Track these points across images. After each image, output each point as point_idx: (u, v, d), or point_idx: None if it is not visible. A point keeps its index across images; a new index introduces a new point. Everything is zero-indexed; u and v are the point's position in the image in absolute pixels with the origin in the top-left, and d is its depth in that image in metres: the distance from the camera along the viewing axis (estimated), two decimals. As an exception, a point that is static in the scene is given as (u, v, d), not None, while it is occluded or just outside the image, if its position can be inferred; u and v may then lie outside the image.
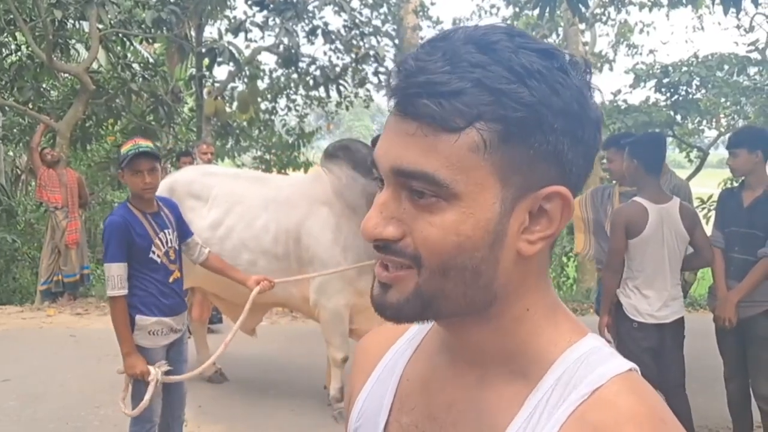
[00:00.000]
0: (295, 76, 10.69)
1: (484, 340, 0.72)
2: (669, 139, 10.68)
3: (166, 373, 3.22)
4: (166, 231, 3.23)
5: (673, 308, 3.65)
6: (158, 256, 3.18)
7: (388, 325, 0.86)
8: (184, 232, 3.45)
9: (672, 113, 11.85)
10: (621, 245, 3.63)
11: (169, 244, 3.24)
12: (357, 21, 10.04)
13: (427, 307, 0.69)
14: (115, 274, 3.07)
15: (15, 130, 11.17)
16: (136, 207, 3.18)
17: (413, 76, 0.64)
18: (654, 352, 3.66)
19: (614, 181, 4.35)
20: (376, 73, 10.31)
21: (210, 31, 10.68)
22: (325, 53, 10.30)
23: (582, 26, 12.09)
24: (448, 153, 0.63)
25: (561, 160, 0.66)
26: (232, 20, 10.11)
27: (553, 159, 0.66)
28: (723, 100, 12.32)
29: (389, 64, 10.15)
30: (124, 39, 9.73)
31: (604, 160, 11.71)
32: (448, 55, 0.64)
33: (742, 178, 3.90)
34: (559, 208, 0.67)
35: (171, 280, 3.24)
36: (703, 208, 9.90)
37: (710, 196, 9.96)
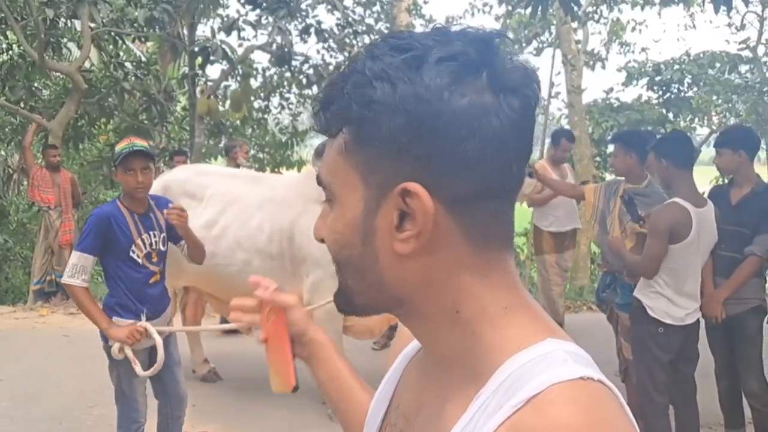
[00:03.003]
0: (288, 74, 10.67)
1: (430, 340, 0.74)
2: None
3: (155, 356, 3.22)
4: (151, 233, 3.20)
5: (695, 309, 3.57)
6: (138, 256, 3.16)
7: None
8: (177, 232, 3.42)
9: (664, 111, 11.92)
10: (662, 251, 3.40)
11: (153, 246, 3.21)
12: (350, 19, 10.03)
13: (348, 302, 0.75)
14: (78, 263, 3.06)
15: (7, 130, 11.12)
16: (124, 205, 3.17)
17: (317, 96, 0.73)
18: (675, 356, 3.58)
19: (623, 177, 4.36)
20: (369, 71, 10.29)
21: (203, 30, 10.65)
22: (318, 52, 10.26)
23: (574, 24, 12.11)
24: (327, 158, 0.72)
25: (409, 155, 0.65)
26: (225, 19, 10.07)
27: (400, 155, 0.65)
28: (715, 97, 12.39)
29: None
30: (117, 38, 9.68)
31: (598, 158, 11.79)
32: (345, 69, 0.70)
33: (731, 176, 3.94)
34: (419, 205, 0.65)
35: (151, 281, 3.21)
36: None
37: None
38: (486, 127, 0.65)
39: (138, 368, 3.09)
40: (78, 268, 3.05)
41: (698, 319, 3.61)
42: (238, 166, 6.90)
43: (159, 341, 3.10)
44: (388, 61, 0.66)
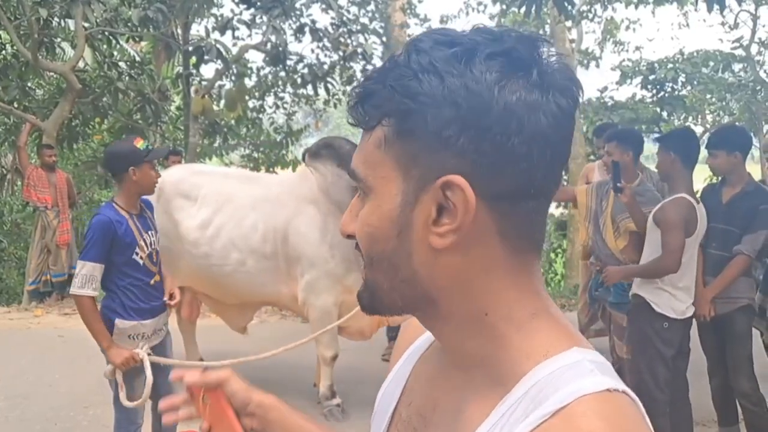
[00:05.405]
0: (282, 74, 10.66)
1: (453, 341, 0.72)
2: (654, 136, 10.76)
3: (154, 353, 3.23)
4: (150, 233, 3.20)
5: (691, 304, 3.59)
6: (141, 258, 3.15)
7: None
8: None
9: (658, 110, 11.96)
10: (682, 243, 3.39)
11: (152, 246, 3.21)
12: (344, 19, 10.03)
13: (374, 299, 0.74)
14: (88, 273, 3.02)
15: (0, 130, 11.08)
16: (122, 207, 3.15)
17: (354, 90, 0.71)
18: (676, 351, 3.58)
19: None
20: (363, 70, 10.30)
21: (197, 29, 10.65)
22: (312, 51, 10.30)
23: (568, 23, 12.14)
24: (364, 151, 0.70)
25: (454, 149, 0.64)
26: (219, 18, 10.07)
27: (444, 148, 0.65)
28: (708, 96, 12.45)
29: (377, 61, 10.15)
30: (111, 37, 9.67)
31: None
32: (385, 64, 0.69)
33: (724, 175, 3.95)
34: (460, 199, 0.65)
35: (152, 282, 3.21)
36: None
37: (696, 192, 10.02)
38: (534, 124, 0.64)
39: (123, 395, 3.08)
40: (88, 278, 3.01)
41: (692, 314, 3.64)
42: None
43: (149, 378, 3.08)
44: (436, 54, 0.65)
